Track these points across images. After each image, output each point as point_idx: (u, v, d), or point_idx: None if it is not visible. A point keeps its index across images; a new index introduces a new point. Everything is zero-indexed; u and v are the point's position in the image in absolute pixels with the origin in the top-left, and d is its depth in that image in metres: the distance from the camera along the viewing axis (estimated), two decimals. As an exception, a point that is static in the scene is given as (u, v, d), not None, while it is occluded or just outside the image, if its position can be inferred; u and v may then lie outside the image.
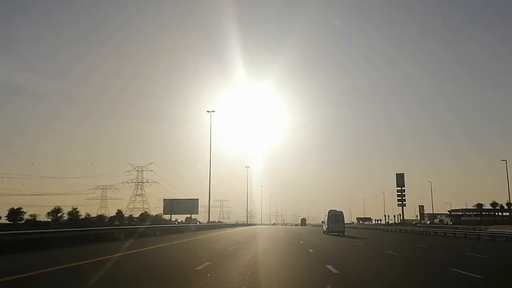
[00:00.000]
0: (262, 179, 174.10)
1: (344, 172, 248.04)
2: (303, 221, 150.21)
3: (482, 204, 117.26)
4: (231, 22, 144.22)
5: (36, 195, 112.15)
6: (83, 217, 68.45)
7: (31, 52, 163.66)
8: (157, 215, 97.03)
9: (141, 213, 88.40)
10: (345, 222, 44.86)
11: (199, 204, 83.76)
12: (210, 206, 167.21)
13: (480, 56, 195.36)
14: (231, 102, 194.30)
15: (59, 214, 64.13)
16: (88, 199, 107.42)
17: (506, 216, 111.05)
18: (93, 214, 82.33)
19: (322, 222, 51.63)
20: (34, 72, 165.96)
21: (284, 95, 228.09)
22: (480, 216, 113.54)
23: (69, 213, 66.26)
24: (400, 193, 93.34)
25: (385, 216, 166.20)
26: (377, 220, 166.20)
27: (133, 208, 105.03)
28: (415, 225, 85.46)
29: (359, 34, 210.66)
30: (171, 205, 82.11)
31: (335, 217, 42.04)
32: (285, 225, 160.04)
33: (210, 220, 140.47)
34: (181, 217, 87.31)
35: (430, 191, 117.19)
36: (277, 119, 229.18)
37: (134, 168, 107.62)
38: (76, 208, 68.25)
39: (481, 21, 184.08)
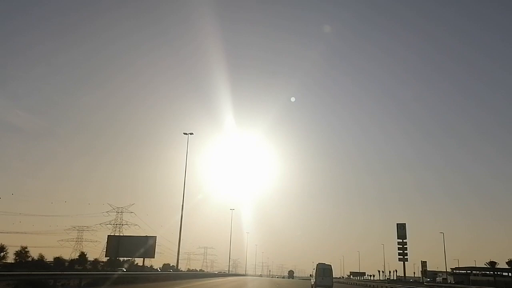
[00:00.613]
0: (250, 228, 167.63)
1: (338, 224, 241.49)
2: (291, 274, 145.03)
3: (495, 262, 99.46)
4: (221, 71, 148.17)
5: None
6: (36, 259, 58.22)
7: (24, 90, 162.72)
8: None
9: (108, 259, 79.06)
10: (335, 276, 41.82)
11: (180, 251, 75.94)
12: (193, 254, 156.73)
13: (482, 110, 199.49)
14: (221, 150, 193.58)
15: (1, 254, 54.01)
16: (62, 240, 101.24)
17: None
18: (67, 257, 75.63)
19: (310, 275, 49.25)
20: (23, 109, 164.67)
21: (275, 144, 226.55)
22: (494, 276, 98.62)
23: (16, 253, 56.89)
24: (401, 246, 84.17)
25: (379, 271, 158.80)
26: (370, 276, 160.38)
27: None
28: (409, 282, 79.08)
29: (351, 81, 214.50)
30: (117, 244, 58.73)
31: (323, 270, 40.21)
32: (271, 276, 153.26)
33: (191, 268, 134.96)
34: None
35: (435, 246, 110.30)
36: (266, 168, 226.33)
37: (114, 208, 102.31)
38: (26, 248, 59.06)
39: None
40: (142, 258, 60.23)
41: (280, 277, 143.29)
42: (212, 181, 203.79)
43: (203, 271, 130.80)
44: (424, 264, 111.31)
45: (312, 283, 42.28)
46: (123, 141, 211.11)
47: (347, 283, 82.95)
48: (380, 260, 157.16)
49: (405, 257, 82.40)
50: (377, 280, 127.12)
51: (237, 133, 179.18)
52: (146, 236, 60.32)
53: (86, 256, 73.56)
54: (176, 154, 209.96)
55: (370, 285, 70.25)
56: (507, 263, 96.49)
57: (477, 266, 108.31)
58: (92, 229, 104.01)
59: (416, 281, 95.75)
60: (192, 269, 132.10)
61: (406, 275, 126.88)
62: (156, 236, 59.11)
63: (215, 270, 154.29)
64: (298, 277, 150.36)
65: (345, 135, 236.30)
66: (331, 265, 41.71)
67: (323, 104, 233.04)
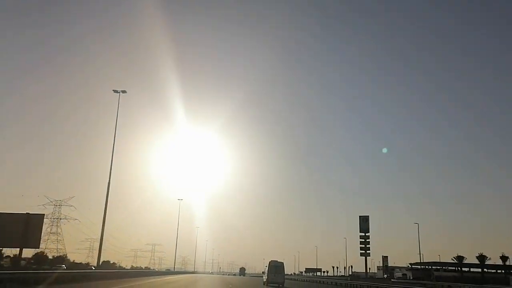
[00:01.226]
0: (201, 224, 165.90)
1: (294, 220, 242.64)
2: (242, 271, 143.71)
3: (463, 257, 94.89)
4: (171, 66, 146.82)
5: None
6: None
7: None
8: (61, 256, 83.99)
9: (35, 253, 69.79)
10: (288, 273, 43.62)
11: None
12: (141, 251, 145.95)
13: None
14: (172, 147, 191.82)
15: None
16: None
17: (498, 272, 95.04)
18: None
19: (263, 272, 51.33)
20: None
21: (227, 141, 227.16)
22: (461, 272, 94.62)
23: None
24: (363, 240, 78.09)
25: (333, 267, 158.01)
26: (324, 272, 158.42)
27: (45, 249, 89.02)
28: (368, 278, 74.01)
29: (304, 77, 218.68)
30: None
31: (276, 268, 41.97)
32: (222, 274, 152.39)
33: (135, 266, 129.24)
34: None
35: (396, 240, 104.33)
36: (219, 165, 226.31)
37: (51, 201, 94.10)
38: None
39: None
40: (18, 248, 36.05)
41: (231, 274, 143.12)
42: (164, 178, 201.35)
43: (149, 268, 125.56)
44: (385, 259, 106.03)
45: (264, 280, 43.86)
46: (67, 134, 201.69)
47: (297, 280, 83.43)
48: (342, 256, 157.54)
49: (367, 251, 77.00)
50: (329, 276, 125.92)
51: (189, 130, 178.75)
52: (27, 213, 35.01)
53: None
54: (123, 146, 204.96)
55: (322, 281, 70.27)
56: (477, 257, 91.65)
57: (441, 261, 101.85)
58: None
59: (372, 277, 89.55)
60: (137, 267, 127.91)
61: (360, 271, 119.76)
62: (43, 214, 38.95)
63: (164, 267, 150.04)
64: (250, 274, 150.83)
65: (300, 131, 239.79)
66: (283, 263, 43.49)
67: (277, 101, 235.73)
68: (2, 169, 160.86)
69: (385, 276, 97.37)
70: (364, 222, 76.32)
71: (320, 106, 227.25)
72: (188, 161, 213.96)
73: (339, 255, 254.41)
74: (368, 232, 75.19)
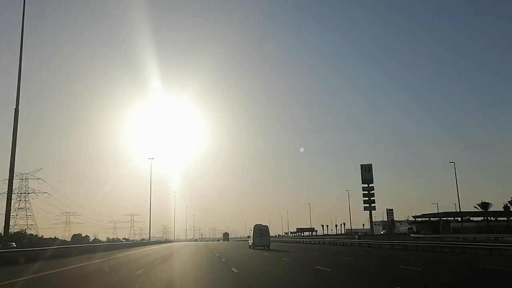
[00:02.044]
0: (179, 192, 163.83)
1: (278, 180, 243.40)
2: (226, 236, 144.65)
3: (488, 204, 78.20)
4: (146, 32, 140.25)
5: None
6: None
7: None
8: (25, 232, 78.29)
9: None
10: (274, 235, 43.82)
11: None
12: (120, 222, 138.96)
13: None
14: (147, 113, 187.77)
15: None
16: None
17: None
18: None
19: (248, 236, 51.04)
20: None
21: (205, 109, 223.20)
22: (487, 221, 78.83)
23: None
24: (367, 192, 68.67)
25: (322, 226, 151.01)
26: (315, 232, 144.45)
27: (14, 225, 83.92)
28: (359, 237, 66.27)
29: (281, 44, 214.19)
30: None
31: (260, 231, 42.86)
32: (206, 241, 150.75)
33: (111, 238, 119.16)
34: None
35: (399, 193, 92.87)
36: (196, 133, 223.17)
37: (16, 175, 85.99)
38: None
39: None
40: None
41: (215, 240, 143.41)
42: (141, 148, 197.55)
43: (128, 239, 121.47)
44: (390, 212, 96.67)
45: (250, 243, 44.13)
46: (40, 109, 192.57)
47: (278, 241, 73.95)
48: (335, 213, 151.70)
49: (372, 205, 68.52)
50: (320, 236, 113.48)
51: (165, 98, 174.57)
52: None
53: None
54: (98, 117, 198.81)
55: (315, 242, 62.12)
56: (504, 207, 78.18)
57: (455, 211, 78.15)
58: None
59: (366, 233, 79.38)
60: (113, 239, 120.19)
61: (356, 228, 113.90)
62: None
63: (145, 237, 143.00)
64: (233, 239, 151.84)
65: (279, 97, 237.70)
66: (267, 226, 44.90)
67: (255, 68, 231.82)
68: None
69: (384, 232, 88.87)
70: (366, 172, 68.00)
71: (300, 64, 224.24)
72: (166, 130, 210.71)
73: (332, 212, 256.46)
74: (372, 182, 67.78)
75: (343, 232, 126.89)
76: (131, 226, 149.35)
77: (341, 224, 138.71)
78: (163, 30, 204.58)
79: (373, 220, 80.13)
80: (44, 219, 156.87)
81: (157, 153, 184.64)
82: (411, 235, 65.38)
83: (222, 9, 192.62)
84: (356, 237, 66.90)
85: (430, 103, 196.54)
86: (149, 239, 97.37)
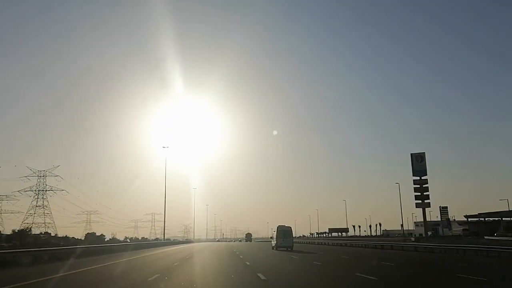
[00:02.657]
0: (200, 191, 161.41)
1: (304, 179, 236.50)
2: (248, 236, 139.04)
3: None
4: (168, 34, 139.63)
5: None
6: None
7: None
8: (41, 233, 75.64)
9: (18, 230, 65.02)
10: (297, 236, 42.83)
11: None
12: (141, 221, 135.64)
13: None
14: (170, 115, 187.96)
15: None
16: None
17: None
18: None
19: (271, 237, 52.26)
20: None
21: (226, 110, 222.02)
22: None
23: None
24: (419, 186, 58.07)
25: (353, 226, 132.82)
26: (342, 233, 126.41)
27: (32, 223, 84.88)
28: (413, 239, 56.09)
29: (303, 41, 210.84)
30: None
31: (284, 232, 43.08)
32: (228, 241, 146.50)
33: (131, 238, 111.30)
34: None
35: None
36: (217, 133, 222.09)
37: (34, 172, 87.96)
38: None
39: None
40: None
41: (237, 241, 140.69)
42: (161, 146, 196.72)
43: (146, 239, 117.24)
44: (444, 210, 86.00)
45: (273, 244, 44.25)
46: (60, 110, 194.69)
47: (305, 243, 73.64)
48: (369, 213, 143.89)
49: (426, 201, 57.86)
50: (343, 237, 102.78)
51: (186, 97, 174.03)
52: None
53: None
54: (120, 118, 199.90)
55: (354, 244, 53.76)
56: None
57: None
58: (12, 198, 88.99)
59: (402, 235, 66.69)
60: (131, 238, 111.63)
61: (390, 230, 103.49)
62: None
63: (159, 238, 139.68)
64: (255, 239, 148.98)
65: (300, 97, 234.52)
66: (290, 227, 44.89)
67: (276, 68, 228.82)
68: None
69: (430, 233, 72.24)
70: (418, 162, 58.32)
71: (323, 66, 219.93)
72: (186, 130, 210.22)
73: (362, 212, 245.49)
74: (425, 174, 58.04)
75: (378, 234, 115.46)
76: (151, 226, 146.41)
77: (376, 225, 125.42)
78: (185, 29, 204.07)
79: (445, 218, 70.42)
80: (65, 217, 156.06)
81: (178, 152, 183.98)
82: (485, 237, 52.77)
83: (243, 9, 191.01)
84: (413, 239, 58.27)
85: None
86: (163, 239, 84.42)
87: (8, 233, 64.00)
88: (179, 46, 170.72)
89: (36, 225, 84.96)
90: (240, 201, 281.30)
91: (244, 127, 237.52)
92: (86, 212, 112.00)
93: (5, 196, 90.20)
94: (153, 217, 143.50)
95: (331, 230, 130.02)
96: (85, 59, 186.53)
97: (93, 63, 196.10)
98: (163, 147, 74.64)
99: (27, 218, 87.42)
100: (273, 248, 43.10)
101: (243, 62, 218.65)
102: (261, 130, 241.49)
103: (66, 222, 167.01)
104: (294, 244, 44.31)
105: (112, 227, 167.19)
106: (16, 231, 61.55)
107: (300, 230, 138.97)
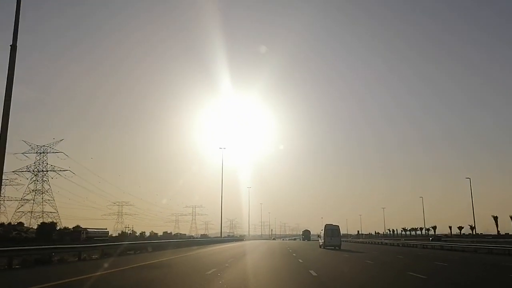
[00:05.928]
0: (251, 187, 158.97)
1: (356, 181, 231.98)
2: (306, 234, 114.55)
3: None
4: (216, 34, 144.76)
5: None
6: None
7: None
8: (50, 222, 58.94)
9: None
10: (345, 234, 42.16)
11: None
12: (181, 215, 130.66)
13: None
14: (217, 111, 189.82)
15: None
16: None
17: None
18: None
19: (318, 236, 51.01)
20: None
21: (274, 106, 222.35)
22: None
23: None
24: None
25: (392, 230, 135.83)
26: (378, 233, 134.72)
27: (31, 213, 67.09)
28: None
29: (350, 39, 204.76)
30: None
31: (332, 231, 43.16)
32: (282, 239, 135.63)
33: (167, 233, 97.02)
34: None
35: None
36: (266, 129, 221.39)
37: (32, 148, 69.18)
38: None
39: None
40: None
41: (291, 239, 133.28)
42: (210, 143, 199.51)
43: (185, 235, 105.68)
44: (495, 219, 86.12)
45: (321, 243, 44.56)
46: (115, 108, 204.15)
47: (350, 241, 75.59)
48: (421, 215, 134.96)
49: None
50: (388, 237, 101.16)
51: (234, 95, 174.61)
52: None
53: None
54: (170, 114, 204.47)
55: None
56: None
57: None
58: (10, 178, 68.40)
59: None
60: (170, 233, 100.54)
61: (442, 233, 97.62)
62: None
63: (212, 233, 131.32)
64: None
65: (347, 93, 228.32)
66: (338, 226, 44.87)
67: (324, 64, 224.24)
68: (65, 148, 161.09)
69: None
70: None
71: (373, 64, 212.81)
72: (236, 127, 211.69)
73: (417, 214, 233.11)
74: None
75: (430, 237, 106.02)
76: (192, 219, 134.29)
77: (427, 228, 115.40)
78: (232, 28, 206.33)
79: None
80: (62, 204, 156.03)
81: (226, 147, 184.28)
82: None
83: (291, 5, 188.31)
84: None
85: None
86: (221, 235, 78.20)
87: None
88: (226, 41, 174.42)
89: (35, 215, 67.92)
90: (289, 197, 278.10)
91: (297, 123, 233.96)
92: (117, 203, 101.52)
93: None
94: (194, 210, 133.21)
95: (377, 233, 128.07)
96: (135, 60, 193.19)
97: (145, 64, 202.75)
98: (220, 148, 77.24)
99: (19, 206, 70.72)
100: (320, 247, 43.51)
101: (293, 57, 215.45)
102: (312, 127, 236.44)
103: (97, 215, 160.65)
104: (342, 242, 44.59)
105: (146, 221, 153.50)
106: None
107: (367, 228, 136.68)
